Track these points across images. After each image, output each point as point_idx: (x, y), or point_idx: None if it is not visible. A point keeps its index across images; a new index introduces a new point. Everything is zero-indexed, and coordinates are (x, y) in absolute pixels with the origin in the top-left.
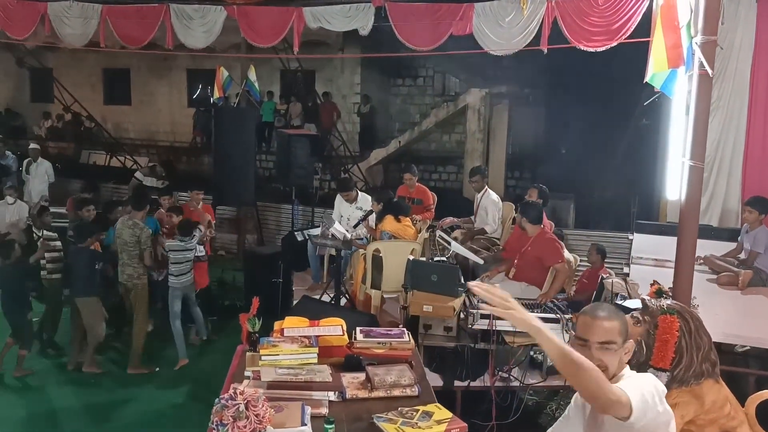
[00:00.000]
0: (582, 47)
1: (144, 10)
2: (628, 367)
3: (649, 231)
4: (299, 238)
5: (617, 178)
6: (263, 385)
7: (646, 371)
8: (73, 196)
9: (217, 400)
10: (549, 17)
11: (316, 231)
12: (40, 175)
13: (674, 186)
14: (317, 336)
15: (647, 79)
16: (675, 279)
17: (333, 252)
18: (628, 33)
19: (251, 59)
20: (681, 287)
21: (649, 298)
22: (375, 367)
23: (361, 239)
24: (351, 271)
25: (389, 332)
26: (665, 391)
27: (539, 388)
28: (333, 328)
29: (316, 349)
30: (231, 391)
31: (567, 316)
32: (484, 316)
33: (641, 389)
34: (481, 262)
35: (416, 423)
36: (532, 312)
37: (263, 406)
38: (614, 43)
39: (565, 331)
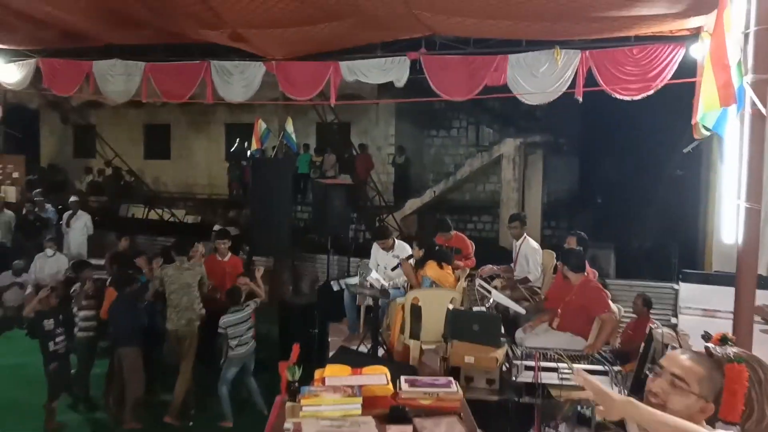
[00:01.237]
0: (618, 96)
1: (185, 66)
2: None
3: (695, 280)
4: (335, 287)
5: (657, 226)
6: None
7: (714, 425)
8: (112, 251)
9: None
10: (583, 67)
11: (353, 280)
12: (79, 228)
13: (729, 230)
14: (360, 385)
15: (697, 119)
16: (735, 326)
17: (370, 302)
18: (665, 81)
19: (288, 112)
20: (741, 335)
21: (713, 346)
22: (423, 419)
23: (398, 288)
24: (388, 321)
25: (436, 382)
26: None
27: None
28: (377, 377)
29: (360, 399)
30: None
31: (616, 368)
32: (528, 368)
33: None
34: (523, 311)
35: None
36: (579, 364)
37: None
38: (651, 92)
39: (614, 384)
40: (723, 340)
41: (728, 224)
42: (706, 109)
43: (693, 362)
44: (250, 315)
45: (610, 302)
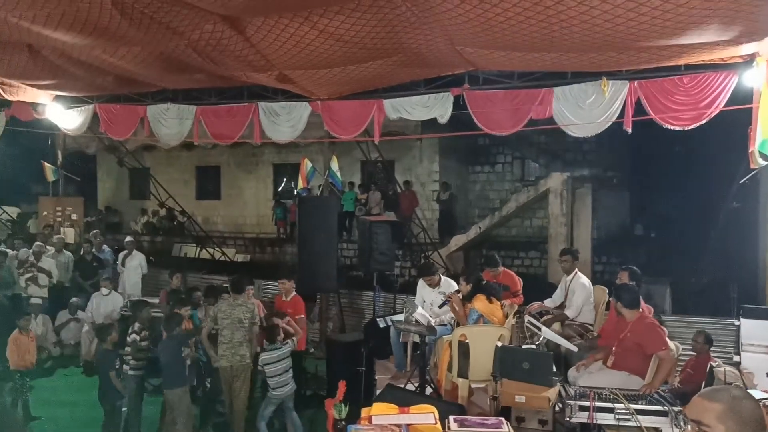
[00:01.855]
0: (668, 126)
1: (234, 109)
2: None
3: (757, 316)
4: (381, 324)
5: (714, 260)
6: None
7: None
8: (166, 289)
9: None
10: (632, 98)
11: (400, 317)
12: (133, 268)
13: None
14: (408, 424)
15: (755, 147)
16: None
17: (417, 339)
18: (718, 110)
19: (333, 151)
20: None
21: None
22: None
23: (445, 326)
24: (436, 359)
25: (486, 422)
26: None
27: None
28: (424, 416)
29: None
30: None
31: (676, 409)
32: (582, 408)
33: None
34: (575, 349)
35: None
36: (637, 403)
37: None
38: (703, 121)
39: (675, 425)
40: None
41: None
42: (764, 135)
43: (708, 401)
44: (288, 354)
45: (667, 339)
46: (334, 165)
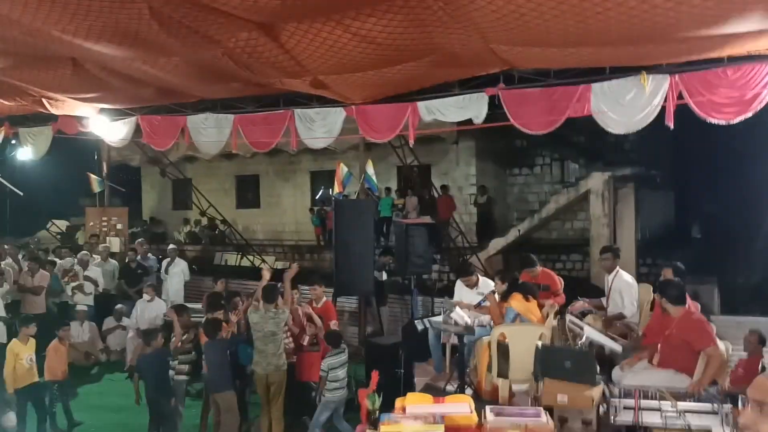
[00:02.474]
0: (713, 121)
1: (271, 117)
2: None
3: None
4: (419, 327)
5: (763, 259)
6: None
7: None
8: (208, 292)
9: None
10: (673, 92)
11: (438, 318)
12: (176, 275)
13: None
14: (443, 414)
15: None
16: None
17: (455, 341)
18: (764, 102)
19: (369, 155)
20: None
21: None
22: None
23: (484, 326)
24: (475, 360)
25: (524, 412)
26: None
27: None
28: (460, 406)
29: (442, 428)
30: None
31: (726, 407)
32: (627, 408)
33: None
34: (619, 349)
35: None
36: (685, 402)
37: None
38: (749, 114)
39: (726, 424)
40: None
41: None
42: None
43: None
44: (347, 359)
45: (715, 336)
46: (370, 169)
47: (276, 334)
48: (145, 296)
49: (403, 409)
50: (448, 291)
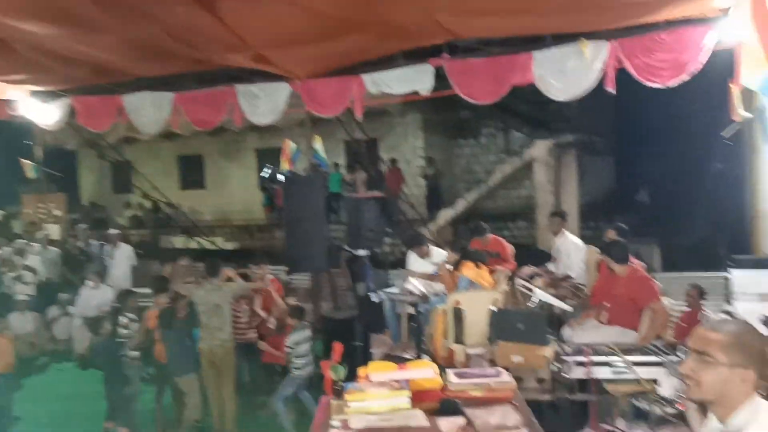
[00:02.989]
0: (651, 84)
1: (213, 94)
2: (763, 402)
3: (747, 266)
4: (375, 299)
5: (702, 217)
6: None
7: None
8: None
9: None
10: (613, 58)
11: (393, 290)
12: (122, 260)
13: None
14: (407, 379)
15: (743, 82)
16: None
17: (411, 310)
18: (699, 65)
19: (316, 131)
20: None
21: None
22: (475, 409)
23: (439, 295)
24: (430, 328)
25: (485, 372)
26: None
27: None
28: (424, 371)
29: (408, 392)
30: None
31: (672, 359)
32: (579, 364)
33: None
34: (569, 308)
35: None
36: (633, 356)
37: None
38: (685, 77)
39: (672, 374)
40: None
41: None
42: (752, 69)
43: (713, 331)
44: (310, 335)
45: (659, 292)
46: (318, 145)
47: (220, 306)
48: (90, 283)
49: (368, 378)
50: (401, 264)
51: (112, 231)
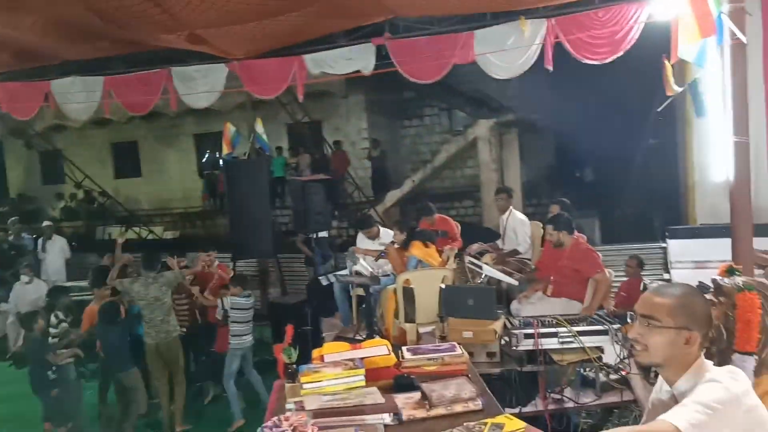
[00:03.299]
0: (587, 61)
1: (146, 76)
2: (708, 363)
3: (682, 236)
4: (324, 282)
5: (639, 191)
6: (309, 415)
7: (729, 358)
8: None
9: (259, 429)
10: (551, 35)
11: (342, 272)
12: (55, 253)
13: (719, 168)
14: (362, 358)
15: (678, 54)
16: (735, 255)
17: (361, 292)
18: (633, 42)
19: (257, 114)
20: (743, 264)
21: (720, 277)
22: (430, 383)
23: (389, 276)
24: (381, 309)
25: (439, 347)
26: (745, 389)
27: (593, 409)
28: (378, 349)
29: (363, 371)
30: (275, 419)
31: (615, 327)
32: (527, 336)
33: (700, 402)
34: (516, 283)
35: None
36: (578, 326)
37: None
38: (620, 53)
39: (615, 342)
40: (730, 271)
41: (719, 164)
42: (687, 41)
43: (659, 296)
44: (252, 308)
45: (602, 263)
46: (260, 128)
47: (160, 299)
48: (23, 278)
49: (321, 359)
50: (350, 246)
51: (45, 223)
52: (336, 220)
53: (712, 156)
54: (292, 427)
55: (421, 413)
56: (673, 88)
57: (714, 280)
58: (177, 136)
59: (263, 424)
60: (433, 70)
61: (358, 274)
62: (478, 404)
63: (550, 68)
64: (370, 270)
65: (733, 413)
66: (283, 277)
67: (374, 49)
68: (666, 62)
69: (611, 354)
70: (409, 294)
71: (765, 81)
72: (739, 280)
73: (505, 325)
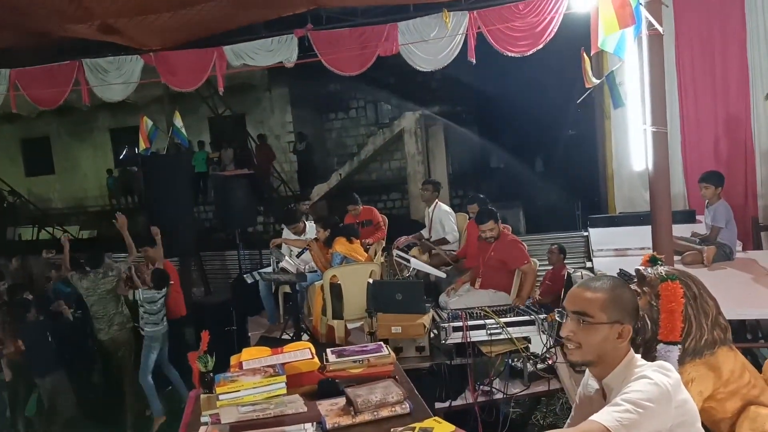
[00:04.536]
0: (509, 54)
1: (55, 69)
2: (637, 357)
3: (603, 224)
4: (249, 280)
5: (560, 181)
6: (225, 429)
7: (654, 348)
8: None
9: None
10: (473, 28)
11: (267, 269)
12: None
13: (638, 157)
14: (283, 363)
15: (598, 45)
16: (655, 243)
17: (287, 289)
18: (552, 35)
19: (176, 107)
20: (663, 251)
21: (643, 267)
22: (355, 387)
23: (315, 272)
24: (309, 306)
25: (364, 348)
26: (675, 384)
27: (522, 398)
28: (300, 353)
29: (284, 378)
30: None
31: (541, 317)
32: (456, 329)
33: (630, 401)
34: (444, 275)
35: None
36: (506, 317)
37: None
38: (540, 46)
39: (542, 332)
40: (653, 261)
41: (636, 153)
42: (606, 32)
43: (588, 291)
44: (164, 300)
45: (528, 254)
46: (178, 121)
47: (111, 292)
48: None
49: (240, 366)
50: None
51: None
52: (261, 215)
53: (630, 146)
54: None
55: (346, 420)
56: (591, 80)
57: (637, 270)
58: (91, 131)
59: None
60: (357, 61)
61: (283, 270)
62: (405, 408)
63: (473, 61)
64: (297, 266)
65: (664, 410)
66: (206, 276)
67: (296, 40)
68: (584, 55)
69: (538, 344)
70: (336, 290)
71: (677, 71)
72: (662, 269)
73: (433, 319)
